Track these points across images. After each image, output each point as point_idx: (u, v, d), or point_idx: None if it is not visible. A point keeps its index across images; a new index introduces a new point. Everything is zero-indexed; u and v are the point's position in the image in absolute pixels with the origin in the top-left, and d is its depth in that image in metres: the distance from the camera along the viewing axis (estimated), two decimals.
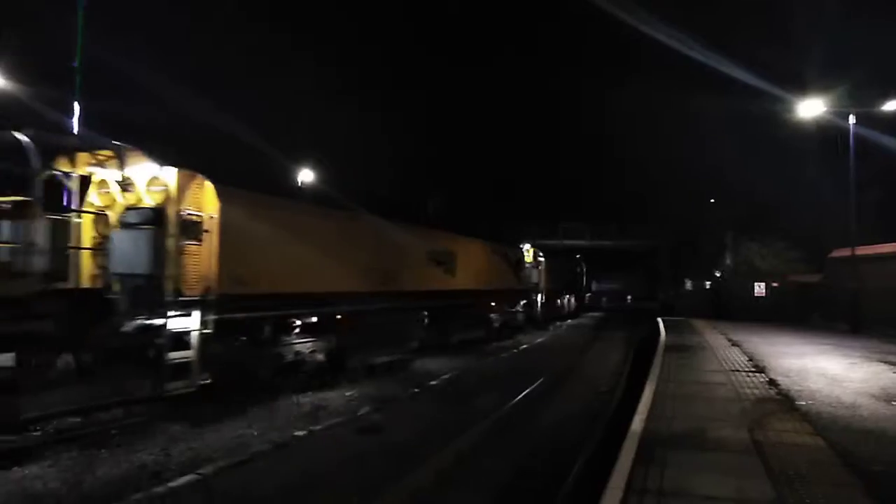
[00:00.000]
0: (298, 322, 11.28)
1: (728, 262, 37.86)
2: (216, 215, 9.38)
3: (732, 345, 16.88)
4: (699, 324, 25.91)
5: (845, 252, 22.67)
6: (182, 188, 9.19)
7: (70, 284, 8.85)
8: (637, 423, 7.25)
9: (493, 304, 21.75)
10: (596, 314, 46.30)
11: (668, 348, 15.75)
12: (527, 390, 12.39)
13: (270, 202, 10.84)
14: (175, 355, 8.67)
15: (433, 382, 13.06)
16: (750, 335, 19.70)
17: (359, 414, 9.85)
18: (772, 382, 10.45)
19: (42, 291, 7.59)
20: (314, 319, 11.62)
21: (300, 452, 7.85)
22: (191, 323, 8.86)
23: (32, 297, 7.42)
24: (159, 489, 6.18)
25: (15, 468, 6.78)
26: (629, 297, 77.10)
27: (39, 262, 7.65)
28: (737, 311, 30.83)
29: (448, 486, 6.87)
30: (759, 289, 31.82)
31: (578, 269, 44.03)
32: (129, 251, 8.92)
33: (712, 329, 22.76)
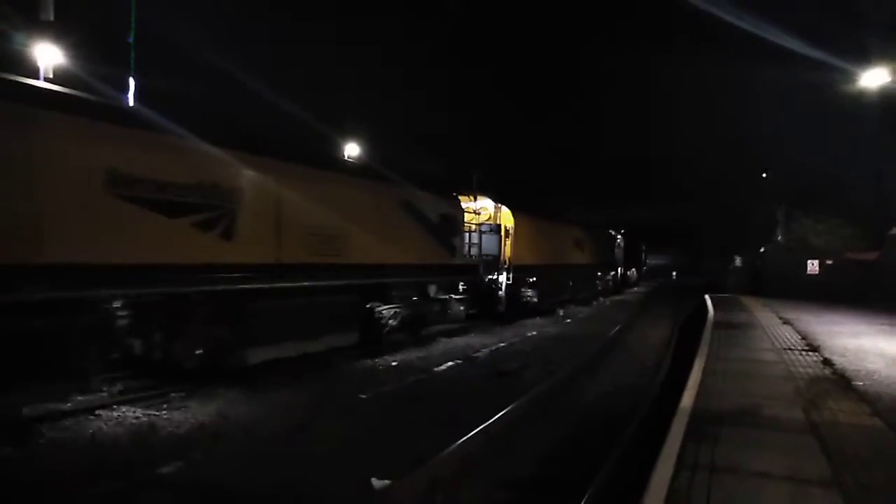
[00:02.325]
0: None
1: (779, 237, 36.71)
2: (511, 226, 20.29)
3: (784, 323, 16.47)
4: (749, 301, 25.31)
5: None
6: (497, 212, 20.00)
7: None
8: (687, 400, 7.19)
9: (600, 273, 34.51)
10: (639, 289, 47.43)
11: (717, 325, 15.47)
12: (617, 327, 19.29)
13: (535, 217, 22.80)
14: (501, 293, 19.60)
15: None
16: (802, 313, 19.17)
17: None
18: (827, 362, 10.19)
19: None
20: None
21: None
22: (504, 278, 19.69)
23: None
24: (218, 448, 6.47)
25: (85, 424, 7.18)
26: (674, 273, 76.19)
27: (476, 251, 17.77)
28: (788, 289, 29.94)
29: (496, 453, 6.98)
30: (813, 266, 30.81)
31: (642, 247, 53.59)
32: (485, 243, 18.35)
33: (763, 306, 22.22)
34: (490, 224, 19.13)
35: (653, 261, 71.00)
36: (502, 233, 19.70)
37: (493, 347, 14.53)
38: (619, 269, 40.55)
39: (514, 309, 19.98)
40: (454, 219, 15.64)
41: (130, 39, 14.67)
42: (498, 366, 11.93)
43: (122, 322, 7.73)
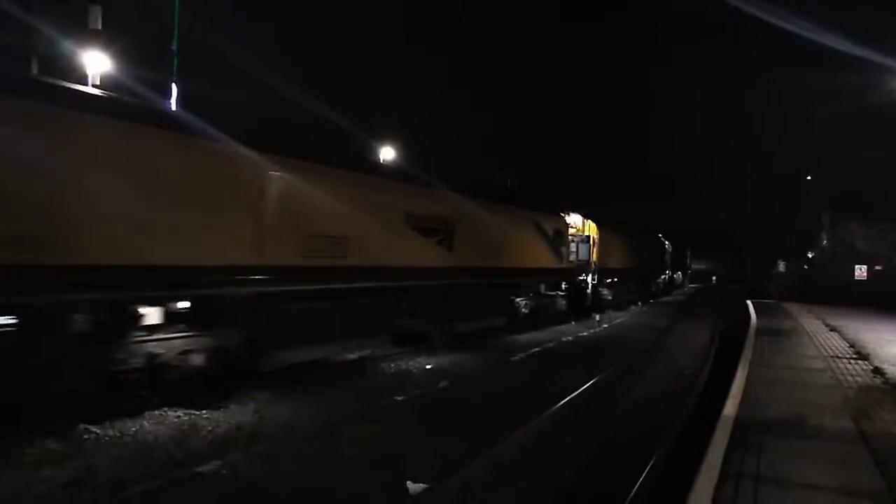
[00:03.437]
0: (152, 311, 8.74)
1: (825, 242, 35.58)
2: (596, 236, 23.40)
3: (831, 330, 15.93)
4: (793, 307, 24.60)
5: None
6: (583, 224, 22.40)
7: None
8: (730, 408, 7.00)
9: (653, 277, 38.10)
10: (685, 291, 50.36)
11: (760, 331, 15.06)
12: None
13: (611, 229, 25.71)
14: (588, 292, 22.74)
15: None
16: (850, 320, 18.51)
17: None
18: (877, 371, 9.81)
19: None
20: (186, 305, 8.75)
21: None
22: (591, 279, 22.84)
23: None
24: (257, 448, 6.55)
25: (129, 423, 7.33)
26: (714, 278, 74.82)
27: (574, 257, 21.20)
28: (834, 295, 28.98)
29: (532, 458, 6.90)
30: (860, 272, 29.76)
31: (687, 253, 56.49)
32: (580, 251, 21.50)
33: (807, 313, 21.56)
34: (581, 235, 22.49)
35: (695, 266, 70.21)
36: (591, 242, 23.24)
37: (591, 331, 19.16)
38: (668, 272, 44.14)
39: (598, 305, 23.86)
40: (562, 232, 20.02)
41: (173, 46, 15.05)
42: (600, 341, 17.16)
43: (405, 301, 12.27)
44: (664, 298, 38.52)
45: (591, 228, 23.38)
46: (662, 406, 9.68)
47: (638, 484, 6.14)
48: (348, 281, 10.26)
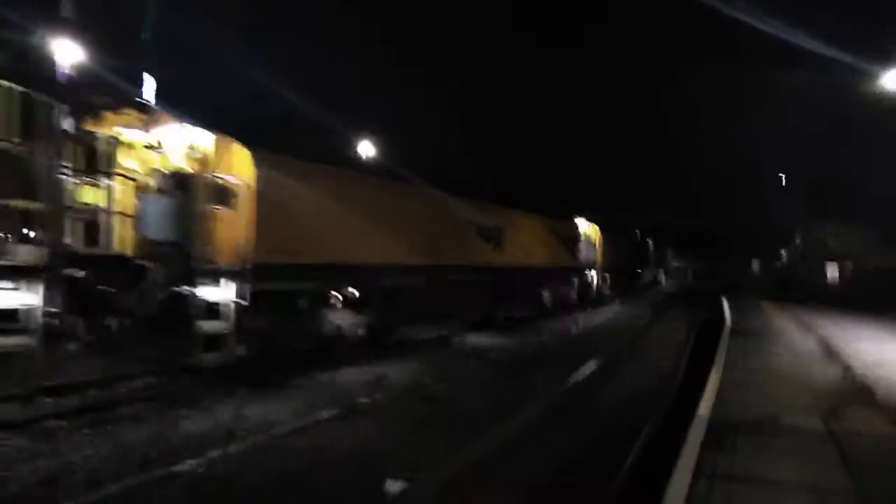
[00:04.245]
0: (340, 294, 11.36)
1: (798, 241, 36.22)
2: (599, 238, 25.12)
3: (804, 330, 16.21)
4: (766, 305, 24.98)
5: None
6: (588, 228, 23.07)
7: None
8: (704, 408, 7.07)
9: (639, 273, 40.87)
10: (664, 287, 51.39)
11: (734, 332, 15.25)
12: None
13: (607, 230, 24.66)
14: (593, 287, 26.73)
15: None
16: (822, 319, 18.84)
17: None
18: (847, 370, 9.99)
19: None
20: (354, 292, 11.56)
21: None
22: (595, 276, 25.96)
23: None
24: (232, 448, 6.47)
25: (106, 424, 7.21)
26: (690, 276, 75.79)
27: (582, 256, 25.42)
28: (807, 293, 29.51)
29: (510, 459, 6.92)
30: (833, 270, 30.34)
31: (668, 251, 59.84)
32: (587, 251, 23.32)
33: (781, 311, 21.91)
34: (587, 237, 25.96)
35: (675, 263, 71.18)
36: (595, 244, 26.90)
37: (600, 315, 23.30)
38: (651, 269, 47.15)
39: (600, 297, 27.87)
40: (575, 235, 24.58)
41: (145, 35, 14.76)
42: (611, 325, 20.77)
43: (473, 290, 15.87)
44: (647, 293, 41.20)
45: (595, 231, 27.22)
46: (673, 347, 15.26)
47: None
48: (442, 275, 14.03)
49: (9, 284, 6.66)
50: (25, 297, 6.83)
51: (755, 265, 40.39)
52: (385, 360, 11.65)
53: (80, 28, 13.10)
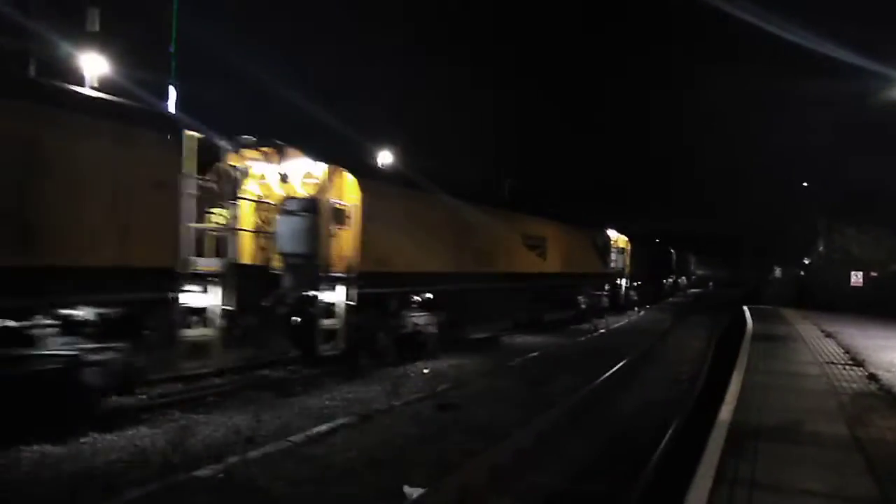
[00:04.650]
0: (419, 297, 13.30)
1: (821, 248, 35.65)
2: (628, 247, 27.70)
3: (826, 336, 15.97)
4: (789, 313, 24.64)
5: None
6: (617, 237, 25.07)
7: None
8: (725, 413, 7.01)
9: (663, 281, 42.14)
10: (680, 297, 50.55)
11: (756, 337, 15.09)
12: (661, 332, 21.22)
13: (636, 240, 26.83)
14: (622, 293, 28.28)
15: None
16: (846, 326, 18.55)
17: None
18: (872, 377, 9.84)
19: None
20: (430, 296, 13.49)
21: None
22: (624, 283, 28.74)
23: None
24: (253, 453, 6.54)
25: (128, 428, 7.37)
26: (710, 283, 75.00)
27: (613, 264, 27.88)
28: (830, 301, 29.03)
29: (528, 464, 6.91)
30: (856, 278, 29.81)
31: (690, 259, 61.69)
32: (617, 260, 25.88)
33: (803, 319, 21.61)
34: (617, 246, 28.16)
35: (699, 271, 70.97)
36: (624, 252, 28.99)
37: (629, 319, 25.47)
38: (673, 277, 48.79)
39: (628, 303, 29.92)
40: (607, 245, 26.56)
41: (172, 48, 15.06)
42: (641, 327, 22.89)
43: (530, 293, 18.59)
44: (670, 299, 42.80)
45: (624, 241, 29.45)
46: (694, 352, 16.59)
47: None
48: (494, 281, 15.64)
49: (196, 288, 8.41)
50: (208, 298, 8.56)
51: (777, 272, 39.79)
52: (456, 353, 13.85)
53: (106, 41, 13.43)
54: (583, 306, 23.44)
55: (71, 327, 6.86)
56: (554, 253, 20.11)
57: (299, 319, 10.43)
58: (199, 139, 8.24)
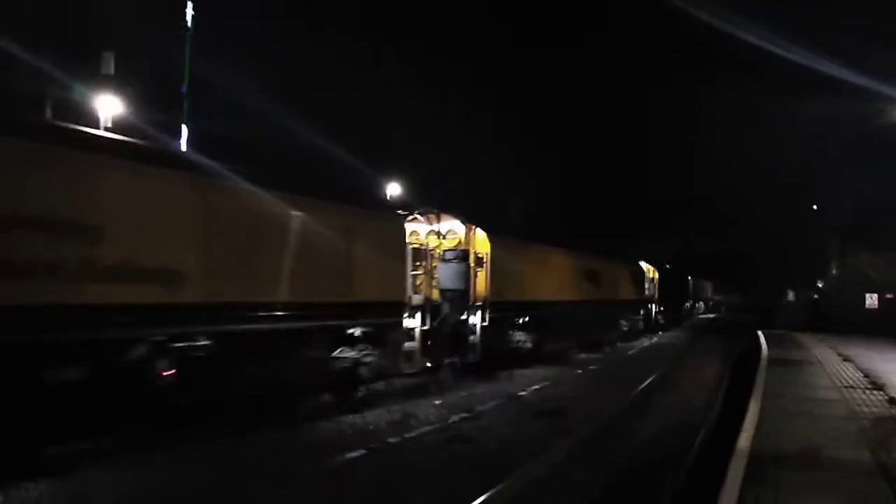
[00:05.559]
0: (520, 320, 17.00)
1: (834, 271, 35.36)
2: (656, 276, 32.70)
3: (844, 360, 15.74)
4: (803, 337, 24.33)
5: None
6: (647, 269, 30.51)
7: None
8: (744, 441, 6.91)
9: (683, 305, 44.29)
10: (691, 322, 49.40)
11: (772, 362, 14.90)
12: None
13: (660, 268, 32.94)
14: (653, 316, 32.26)
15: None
16: (862, 350, 18.29)
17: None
18: (893, 401, 9.67)
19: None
20: (527, 319, 17.20)
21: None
22: (655, 307, 32.22)
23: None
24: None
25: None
26: (723, 308, 74.31)
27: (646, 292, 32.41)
28: (845, 324, 28.65)
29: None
30: (871, 300, 29.46)
31: (709, 285, 63.01)
32: (648, 288, 30.80)
33: (819, 342, 21.33)
34: (649, 276, 32.47)
35: (716, 296, 70.83)
36: (654, 282, 33.35)
37: (666, 341, 28.30)
38: (690, 302, 50.56)
39: (657, 325, 33.42)
40: (643, 275, 31.15)
41: (184, 89, 15.38)
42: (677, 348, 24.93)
43: (588, 317, 21.41)
44: (688, 322, 45.63)
45: (653, 272, 33.71)
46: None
47: None
48: (566, 307, 19.53)
49: (409, 315, 11.91)
50: (415, 322, 12.15)
51: (790, 295, 39.41)
52: (540, 364, 16.95)
53: (120, 84, 13.77)
54: (624, 328, 27.38)
55: (350, 339, 10.47)
56: (604, 283, 23.99)
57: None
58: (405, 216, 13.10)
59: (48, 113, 13.80)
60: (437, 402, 11.16)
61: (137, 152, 7.49)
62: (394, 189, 25.58)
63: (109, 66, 13.73)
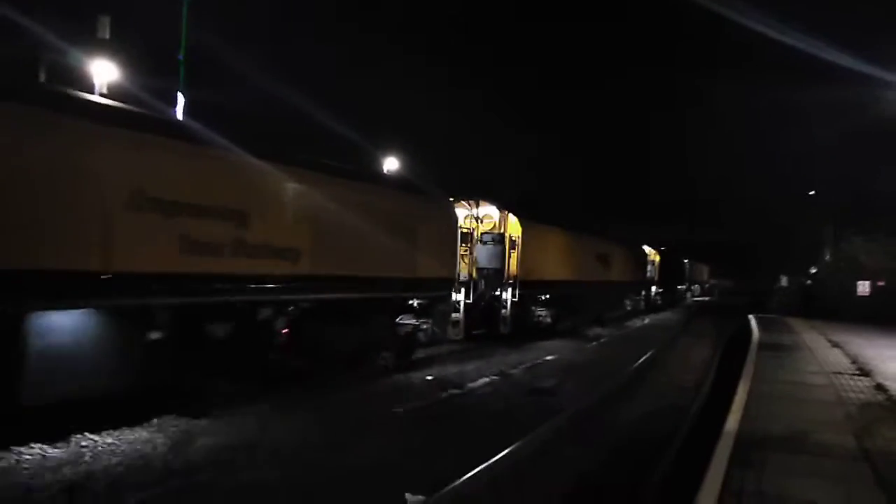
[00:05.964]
0: (542, 297, 18.97)
1: (827, 257, 35.47)
2: (656, 259, 35.83)
3: (833, 346, 15.89)
4: (795, 322, 24.53)
5: None
6: (649, 252, 33.99)
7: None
8: (732, 423, 6.99)
9: (679, 287, 46.92)
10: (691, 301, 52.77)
11: (762, 346, 15.03)
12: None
13: (662, 253, 36.76)
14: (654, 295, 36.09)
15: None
16: (852, 336, 18.44)
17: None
18: (879, 387, 9.78)
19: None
20: (548, 296, 19.16)
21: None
22: (654, 289, 35.91)
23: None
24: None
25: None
26: (716, 292, 74.90)
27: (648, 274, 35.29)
28: (837, 310, 28.84)
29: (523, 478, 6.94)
30: (863, 287, 29.61)
31: (706, 269, 65.86)
32: (649, 271, 33.90)
33: (810, 328, 21.51)
34: (651, 259, 35.29)
35: (713, 280, 71.47)
36: (654, 264, 35.92)
37: (665, 319, 31.01)
38: (686, 284, 52.67)
39: (656, 305, 36.47)
40: (646, 258, 33.79)
41: (180, 56, 15.12)
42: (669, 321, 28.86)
43: (599, 296, 24.95)
44: (683, 303, 47.97)
45: (654, 254, 36.07)
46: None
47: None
48: (581, 287, 21.89)
49: (455, 290, 13.81)
50: (460, 296, 14.21)
51: (784, 281, 39.58)
52: (558, 337, 18.91)
53: (116, 48, 13.53)
54: (628, 307, 30.24)
55: (410, 309, 12.28)
56: (614, 266, 25.98)
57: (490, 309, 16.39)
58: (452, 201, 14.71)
59: (41, 77, 13.57)
60: (479, 363, 13.30)
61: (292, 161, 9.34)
62: (391, 164, 25.34)
63: (105, 31, 13.47)
